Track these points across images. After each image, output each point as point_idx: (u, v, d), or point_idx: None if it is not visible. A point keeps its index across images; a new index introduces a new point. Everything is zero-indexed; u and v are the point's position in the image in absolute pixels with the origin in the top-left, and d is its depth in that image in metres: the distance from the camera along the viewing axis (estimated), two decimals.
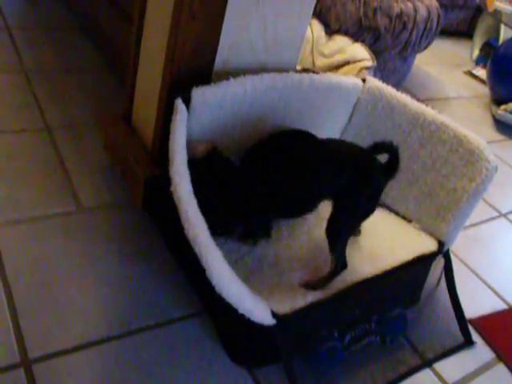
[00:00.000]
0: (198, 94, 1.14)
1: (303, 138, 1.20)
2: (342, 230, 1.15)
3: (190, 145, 1.13)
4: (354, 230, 1.20)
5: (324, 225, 1.17)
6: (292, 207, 1.20)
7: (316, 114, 1.40)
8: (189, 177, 1.03)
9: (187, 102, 1.13)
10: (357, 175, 1.13)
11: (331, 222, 1.14)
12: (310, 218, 1.32)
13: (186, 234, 0.96)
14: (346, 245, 1.15)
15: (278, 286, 1.11)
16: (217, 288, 0.92)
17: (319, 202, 1.18)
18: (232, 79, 1.19)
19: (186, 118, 1.12)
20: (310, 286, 1.11)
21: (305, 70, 1.53)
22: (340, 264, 1.13)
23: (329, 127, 1.47)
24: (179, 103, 1.12)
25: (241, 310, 0.95)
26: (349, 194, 1.13)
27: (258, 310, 0.96)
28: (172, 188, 1.02)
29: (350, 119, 1.48)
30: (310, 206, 1.19)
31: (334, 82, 1.38)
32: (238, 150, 1.29)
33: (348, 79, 1.44)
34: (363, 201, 1.16)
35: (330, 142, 1.26)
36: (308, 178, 1.14)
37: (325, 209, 1.18)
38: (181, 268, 1.27)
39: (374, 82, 1.44)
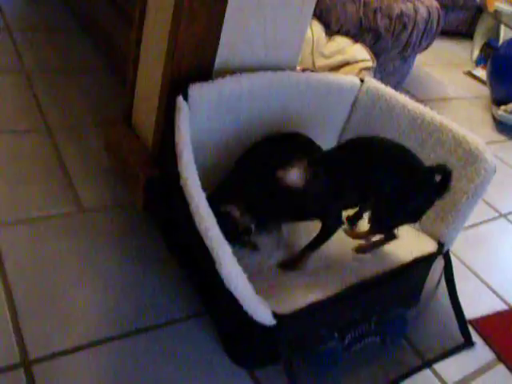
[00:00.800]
0: (195, 90, 1.15)
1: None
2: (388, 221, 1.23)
3: None
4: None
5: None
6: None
7: (314, 113, 1.40)
8: (196, 172, 1.04)
9: (185, 98, 1.14)
10: (415, 185, 1.18)
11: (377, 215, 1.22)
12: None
13: (197, 227, 0.97)
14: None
15: (278, 287, 1.11)
16: (226, 281, 0.93)
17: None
18: (228, 76, 1.20)
19: (188, 115, 1.13)
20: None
21: (304, 70, 1.53)
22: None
23: (327, 126, 1.47)
24: (181, 101, 1.12)
25: (245, 307, 0.95)
26: (399, 196, 1.18)
27: (259, 309, 0.97)
28: (181, 183, 1.03)
29: (348, 119, 1.48)
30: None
31: (331, 81, 1.39)
32: (237, 147, 1.29)
33: (346, 78, 1.44)
34: (411, 207, 1.21)
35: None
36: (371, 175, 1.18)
37: None
38: (182, 268, 1.27)
39: (373, 83, 1.44)
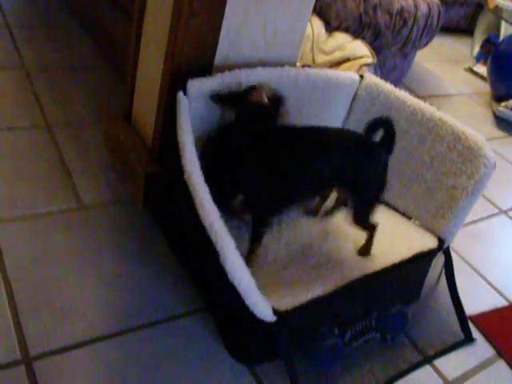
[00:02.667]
0: (194, 86, 1.15)
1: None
2: (365, 208, 1.23)
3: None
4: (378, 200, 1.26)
5: (319, 224, 1.18)
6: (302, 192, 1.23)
7: (313, 109, 1.40)
8: (199, 166, 1.05)
9: (185, 93, 1.14)
10: (360, 155, 1.20)
11: (355, 207, 1.22)
12: (309, 216, 1.33)
13: (201, 221, 0.97)
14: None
15: (279, 283, 1.11)
16: (230, 275, 0.93)
17: (326, 186, 1.27)
18: (227, 72, 1.20)
19: (188, 109, 1.13)
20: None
21: (304, 67, 1.53)
22: (371, 225, 1.23)
23: (326, 122, 1.46)
24: (181, 96, 1.12)
25: (247, 302, 0.95)
26: (357, 176, 1.19)
27: (260, 305, 0.97)
28: (185, 177, 1.03)
29: (348, 116, 1.48)
30: (316, 190, 1.26)
31: (330, 77, 1.39)
32: None
33: (345, 74, 1.44)
34: (372, 175, 1.22)
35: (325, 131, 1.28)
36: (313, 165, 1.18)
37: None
38: (182, 264, 1.27)
39: (373, 79, 1.44)
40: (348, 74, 1.45)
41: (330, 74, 1.39)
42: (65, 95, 1.77)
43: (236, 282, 0.94)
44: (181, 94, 1.13)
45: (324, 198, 1.34)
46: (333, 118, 1.47)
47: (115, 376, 1.02)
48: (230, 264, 0.94)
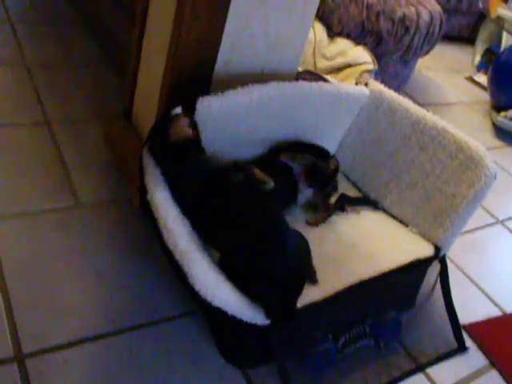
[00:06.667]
0: (204, 104, 1.13)
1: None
2: None
3: None
4: None
5: (316, 230, 1.23)
6: None
7: (321, 121, 1.40)
8: (164, 184, 1.03)
9: (192, 111, 1.12)
10: None
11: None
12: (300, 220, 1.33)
13: (165, 242, 0.96)
14: None
15: None
16: (201, 293, 0.93)
17: None
18: (239, 89, 1.18)
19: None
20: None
21: (307, 72, 1.53)
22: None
23: (332, 132, 1.47)
24: (145, 152, 1.10)
25: (230, 312, 0.95)
26: None
27: (248, 312, 0.96)
28: (148, 197, 1.01)
29: (352, 122, 1.48)
30: None
31: (342, 92, 1.38)
32: (244, 158, 1.29)
33: (355, 89, 1.43)
34: None
35: None
36: None
37: None
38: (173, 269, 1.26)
39: (377, 86, 1.44)
40: (358, 88, 1.44)
41: (341, 89, 1.39)
42: (65, 93, 1.77)
43: (209, 300, 0.93)
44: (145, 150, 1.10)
45: (329, 212, 1.35)
46: (339, 127, 1.47)
47: (108, 375, 1.01)
48: (200, 283, 0.93)
